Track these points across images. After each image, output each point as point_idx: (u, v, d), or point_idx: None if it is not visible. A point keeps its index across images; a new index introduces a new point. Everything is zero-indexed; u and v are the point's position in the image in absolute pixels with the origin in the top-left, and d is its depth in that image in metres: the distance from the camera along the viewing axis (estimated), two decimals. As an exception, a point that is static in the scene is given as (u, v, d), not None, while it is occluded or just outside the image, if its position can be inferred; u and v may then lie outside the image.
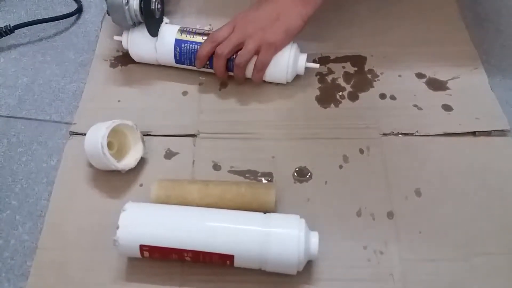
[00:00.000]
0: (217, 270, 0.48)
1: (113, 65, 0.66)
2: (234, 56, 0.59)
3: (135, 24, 0.61)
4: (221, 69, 0.60)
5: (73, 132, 0.59)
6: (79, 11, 0.73)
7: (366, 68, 0.64)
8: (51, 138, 0.60)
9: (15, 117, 0.62)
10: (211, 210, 0.48)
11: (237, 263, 0.45)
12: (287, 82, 0.61)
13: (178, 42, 0.60)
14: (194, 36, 0.60)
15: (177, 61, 0.62)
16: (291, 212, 0.48)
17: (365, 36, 0.67)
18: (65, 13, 0.72)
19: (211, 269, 0.48)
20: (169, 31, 0.61)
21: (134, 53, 0.64)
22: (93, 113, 0.60)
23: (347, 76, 0.63)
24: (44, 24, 0.71)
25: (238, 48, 0.59)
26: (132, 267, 0.49)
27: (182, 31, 0.61)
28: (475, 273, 0.48)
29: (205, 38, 0.60)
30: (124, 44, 0.63)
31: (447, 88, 0.61)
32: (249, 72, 0.60)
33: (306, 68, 0.61)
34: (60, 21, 0.72)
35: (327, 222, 0.51)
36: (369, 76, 0.63)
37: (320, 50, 0.66)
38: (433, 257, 0.49)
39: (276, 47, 0.58)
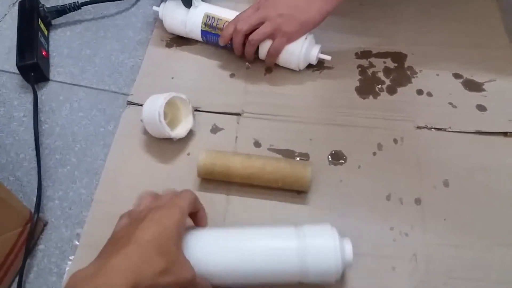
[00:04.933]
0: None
1: (168, 45, 0.71)
2: None
3: None
4: (239, 45, 0.64)
5: (130, 102, 0.64)
6: (139, -7, 0.79)
7: (406, 65, 0.67)
8: (109, 106, 0.65)
9: (78, 85, 0.68)
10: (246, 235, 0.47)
11: None
12: (299, 69, 0.66)
13: (203, 33, 0.67)
14: (216, 30, 0.65)
15: (205, 43, 0.69)
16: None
17: (408, 35, 0.70)
18: (127, -6, 0.78)
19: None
20: (196, 18, 0.66)
21: (168, 27, 0.70)
22: (149, 86, 0.65)
23: (387, 71, 0.66)
24: (107, 3, 0.77)
25: (257, 27, 0.62)
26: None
27: (205, 24, 0.66)
28: (496, 262, 0.50)
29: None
30: (160, 15, 0.69)
31: (483, 90, 0.64)
32: (263, 56, 0.65)
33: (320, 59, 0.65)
34: (122, 1, 0.78)
35: (357, 202, 0.54)
36: (408, 72, 0.66)
37: (363, 44, 0.69)
38: (456, 243, 0.51)
39: (289, 38, 0.62)
